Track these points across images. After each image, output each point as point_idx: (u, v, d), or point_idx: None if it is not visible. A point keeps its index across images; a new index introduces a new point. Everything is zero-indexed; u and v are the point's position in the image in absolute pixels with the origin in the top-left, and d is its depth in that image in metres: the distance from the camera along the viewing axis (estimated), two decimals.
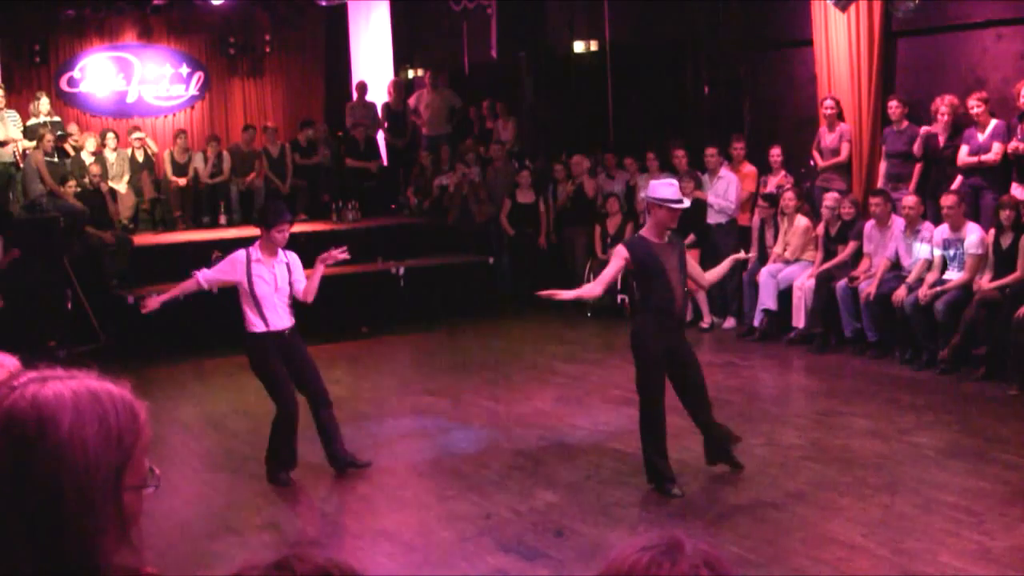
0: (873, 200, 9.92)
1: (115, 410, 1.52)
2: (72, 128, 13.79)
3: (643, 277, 6.41)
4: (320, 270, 6.99)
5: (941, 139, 9.90)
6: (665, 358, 6.38)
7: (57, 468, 1.46)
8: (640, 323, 6.44)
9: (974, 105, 9.47)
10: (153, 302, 6.90)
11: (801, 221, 10.65)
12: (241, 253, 6.84)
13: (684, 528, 5.90)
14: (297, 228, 13.38)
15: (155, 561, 1.58)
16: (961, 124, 9.78)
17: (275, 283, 6.79)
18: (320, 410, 7.00)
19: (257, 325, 6.78)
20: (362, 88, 15.54)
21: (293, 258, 6.96)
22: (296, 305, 6.98)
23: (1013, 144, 9.17)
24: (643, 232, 6.51)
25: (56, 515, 1.46)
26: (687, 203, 6.62)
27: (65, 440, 1.47)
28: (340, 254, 7.03)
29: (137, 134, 14.15)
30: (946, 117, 9.77)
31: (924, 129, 10.06)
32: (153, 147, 14.37)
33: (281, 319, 6.84)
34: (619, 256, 6.38)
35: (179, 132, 14.62)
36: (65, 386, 1.51)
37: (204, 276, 6.86)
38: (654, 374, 6.36)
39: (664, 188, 6.39)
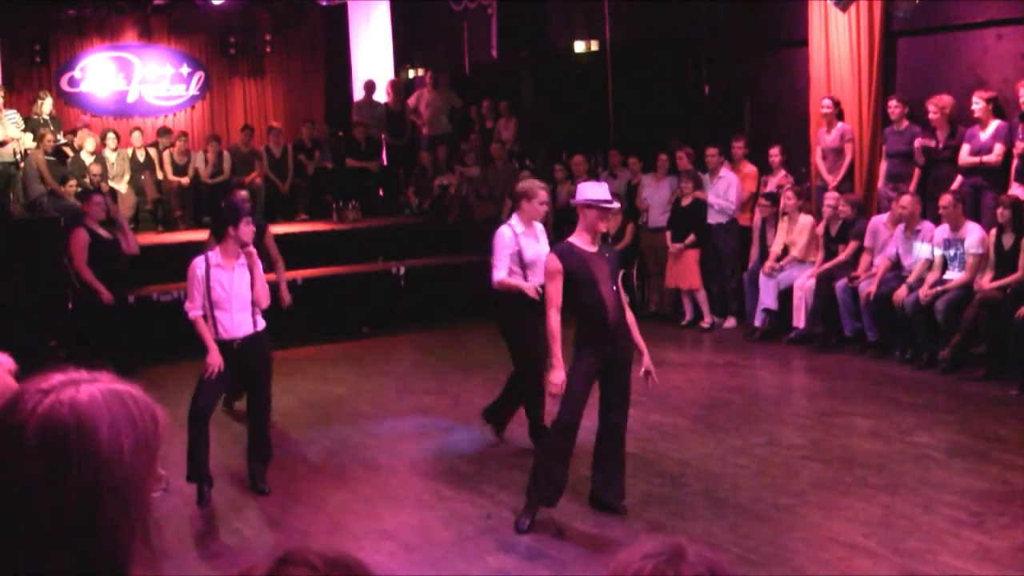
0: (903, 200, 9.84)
1: (142, 415, 1.50)
2: (83, 132, 13.70)
3: (573, 287, 5.98)
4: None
5: (941, 140, 9.90)
6: (598, 372, 6.04)
7: (96, 474, 1.44)
8: (577, 333, 6.08)
9: (976, 103, 9.47)
10: (213, 360, 6.62)
11: (805, 220, 10.65)
12: (199, 260, 6.64)
13: (685, 527, 5.91)
14: (297, 228, 13.52)
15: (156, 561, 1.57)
16: (957, 122, 9.79)
17: (232, 288, 6.57)
18: (252, 424, 6.93)
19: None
20: (370, 87, 15.53)
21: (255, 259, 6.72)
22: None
23: (1022, 146, 9.15)
24: (572, 239, 6.06)
25: (93, 523, 1.44)
26: (617, 205, 6.30)
27: (105, 446, 1.45)
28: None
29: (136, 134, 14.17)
30: (936, 116, 9.77)
31: (918, 141, 10.02)
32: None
33: (236, 327, 6.62)
34: (555, 272, 5.92)
35: (180, 134, 14.62)
36: (97, 389, 1.49)
37: (193, 308, 6.64)
38: (579, 388, 5.96)
39: (594, 189, 6.09)
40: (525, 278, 7.00)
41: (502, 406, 7.65)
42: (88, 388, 1.48)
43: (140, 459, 1.48)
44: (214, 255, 6.63)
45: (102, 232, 10.00)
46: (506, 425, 7.72)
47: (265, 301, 6.74)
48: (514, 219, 7.18)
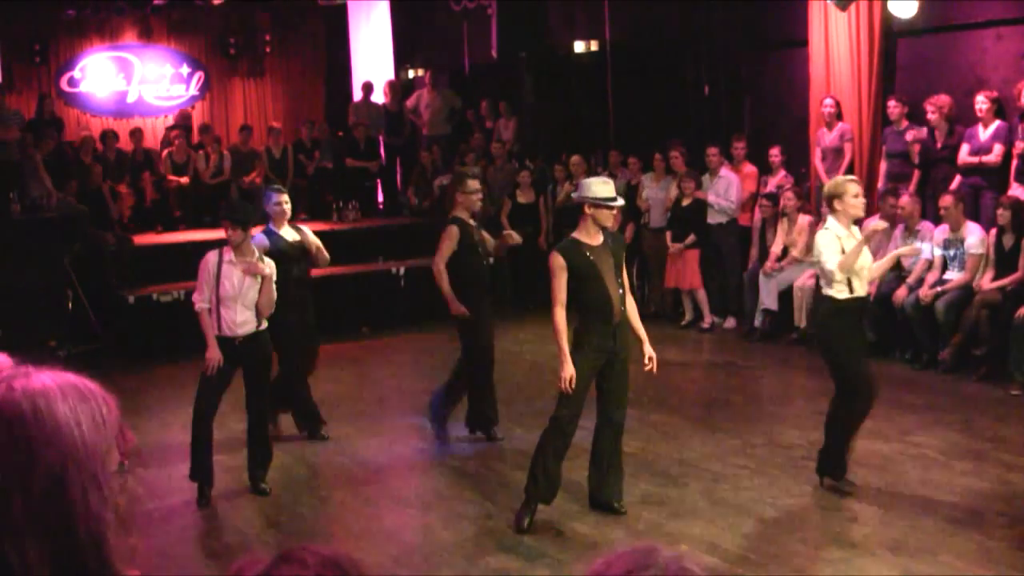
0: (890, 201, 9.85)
1: (92, 394, 1.56)
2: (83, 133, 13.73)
3: (578, 282, 5.94)
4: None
5: (939, 139, 9.90)
6: (598, 369, 6.03)
7: (59, 451, 1.48)
8: (578, 329, 6.07)
9: (980, 102, 9.46)
10: (212, 356, 6.58)
11: (805, 220, 10.64)
12: (213, 253, 6.66)
13: (684, 527, 5.91)
14: None
15: (156, 561, 1.59)
16: (956, 122, 9.79)
17: (241, 287, 6.57)
18: (252, 425, 6.90)
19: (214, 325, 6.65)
20: (368, 88, 15.53)
21: (271, 268, 6.69)
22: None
23: (1022, 146, 9.14)
24: (575, 235, 6.05)
25: (63, 499, 1.48)
26: (621, 202, 6.18)
27: (62, 423, 1.50)
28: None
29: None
30: (934, 116, 9.77)
31: (911, 135, 10.00)
32: None
33: (239, 325, 6.61)
34: (558, 269, 5.91)
35: (178, 133, 14.62)
36: (47, 376, 1.55)
37: (200, 300, 6.62)
38: (578, 385, 5.92)
39: (601, 187, 6.01)
40: (850, 286, 6.26)
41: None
42: (38, 375, 1.55)
43: (99, 434, 1.53)
44: (227, 252, 6.63)
45: (288, 236, 7.79)
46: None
47: (266, 311, 6.70)
48: (831, 222, 6.36)
